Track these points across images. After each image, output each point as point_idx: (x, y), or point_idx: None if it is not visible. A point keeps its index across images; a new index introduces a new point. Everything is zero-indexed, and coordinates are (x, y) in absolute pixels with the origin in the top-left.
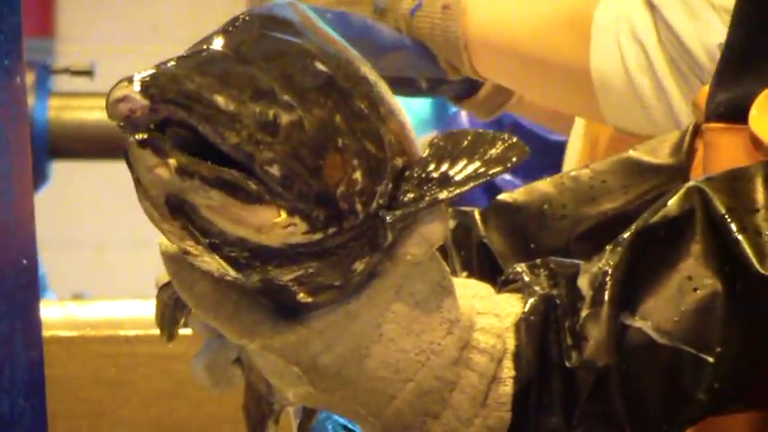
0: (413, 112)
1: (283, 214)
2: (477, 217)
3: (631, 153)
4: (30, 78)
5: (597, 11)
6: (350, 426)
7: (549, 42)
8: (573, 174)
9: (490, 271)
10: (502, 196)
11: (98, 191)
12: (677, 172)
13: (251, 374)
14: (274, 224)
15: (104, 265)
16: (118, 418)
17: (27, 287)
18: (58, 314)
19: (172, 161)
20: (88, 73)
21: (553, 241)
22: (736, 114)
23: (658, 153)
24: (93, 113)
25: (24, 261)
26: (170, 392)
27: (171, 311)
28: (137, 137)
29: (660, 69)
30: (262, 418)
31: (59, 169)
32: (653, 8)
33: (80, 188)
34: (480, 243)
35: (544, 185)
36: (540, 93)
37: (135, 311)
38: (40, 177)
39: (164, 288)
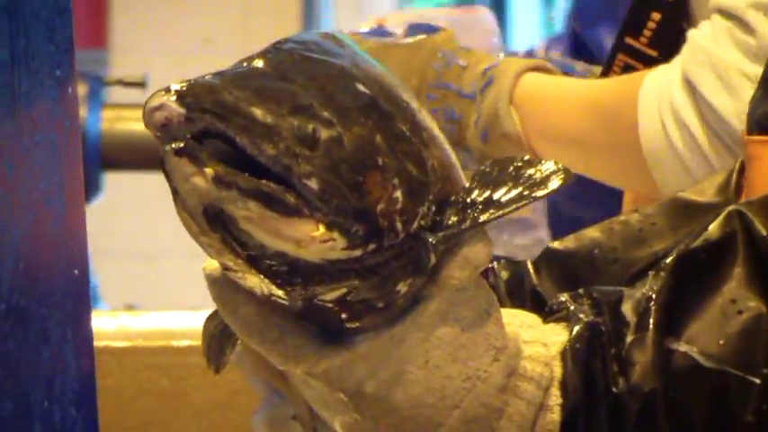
0: None
1: (322, 228)
2: (530, 266)
3: (679, 194)
4: (82, 90)
5: (641, 92)
6: None
7: (604, 126)
8: (622, 218)
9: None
10: (552, 244)
11: (150, 201)
12: (724, 207)
13: (303, 425)
14: (313, 238)
15: (157, 276)
16: (169, 429)
17: (78, 297)
18: (110, 325)
19: (209, 170)
20: (141, 84)
21: (605, 285)
22: None
23: (706, 192)
24: None
25: (76, 271)
26: (222, 403)
27: (218, 341)
28: (173, 145)
29: (705, 146)
30: None
31: (112, 180)
32: (691, 86)
33: (133, 199)
34: (533, 291)
35: (593, 231)
36: (600, 174)
37: (187, 322)
38: (92, 188)
39: (210, 318)
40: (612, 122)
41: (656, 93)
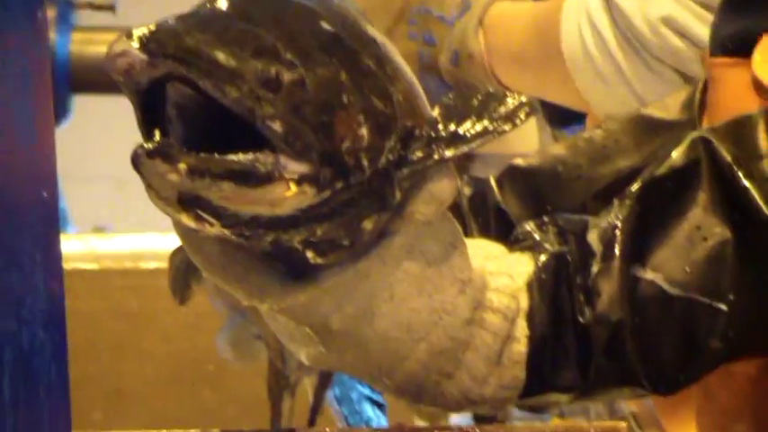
0: None
1: (293, 187)
2: (493, 183)
3: (643, 111)
4: (51, 13)
5: (566, 1)
6: (373, 396)
7: (540, 41)
8: (586, 135)
9: (507, 236)
10: (516, 161)
11: (119, 124)
12: (689, 127)
13: (269, 350)
14: (285, 198)
15: (125, 198)
16: (138, 350)
17: (47, 220)
18: (79, 247)
19: (182, 165)
20: (110, 7)
21: (569, 202)
22: (742, 48)
23: (670, 109)
24: None
25: (45, 194)
26: (191, 325)
27: (183, 274)
28: (144, 147)
29: (615, 50)
30: (280, 391)
31: (81, 103)
32: None
33: (101, 122)
34: (497, 209)
35: (557, 148)
36: (548, 93)
37: (156, 245)
38: (61, 111)
39: (175, 252)
40: (545, 36)
41: (577, 1)
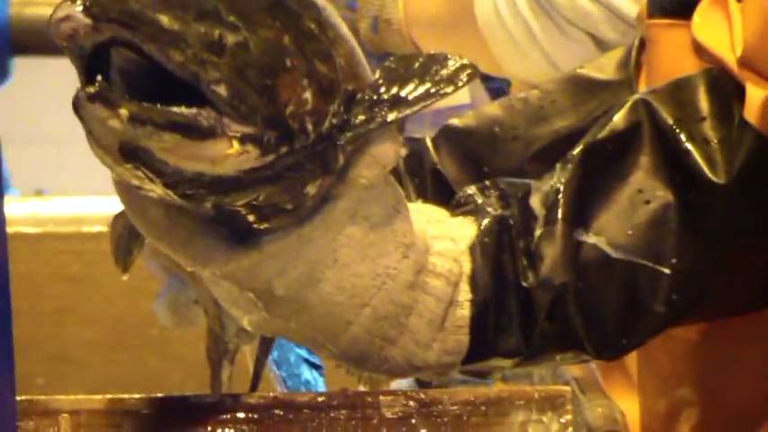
0: None
1: (236, 144)
2: (429, 144)
3: (579, 71)
4: None
5: None
6: (311, 359)
7: (455, 5)
8: (522, 95)
9: (444, 197)
10: (452, 121)
11: (60, 87)
12: (625, 86)
13: (208, 317)
14: (227, 155)
15: (66, 161)
16: (81, 314)
17: None
18: (20, 211)
19: (123, 111)
20: None
21: (506, 163)
22: (680, 10)
23: (605, 69)
24: None
25: None
26: (134, 289)
27: (126, 241)
28: (86, 90)
29: (526, 12)
30: (219, 358)
31: (21, 65)
32: None
33: (41, 84)
34: (433, 169)
35: (493, 109)
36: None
37: (99, 208)
38: (1, 74)
39: (117, 218)
40: (460, 1)
41: None
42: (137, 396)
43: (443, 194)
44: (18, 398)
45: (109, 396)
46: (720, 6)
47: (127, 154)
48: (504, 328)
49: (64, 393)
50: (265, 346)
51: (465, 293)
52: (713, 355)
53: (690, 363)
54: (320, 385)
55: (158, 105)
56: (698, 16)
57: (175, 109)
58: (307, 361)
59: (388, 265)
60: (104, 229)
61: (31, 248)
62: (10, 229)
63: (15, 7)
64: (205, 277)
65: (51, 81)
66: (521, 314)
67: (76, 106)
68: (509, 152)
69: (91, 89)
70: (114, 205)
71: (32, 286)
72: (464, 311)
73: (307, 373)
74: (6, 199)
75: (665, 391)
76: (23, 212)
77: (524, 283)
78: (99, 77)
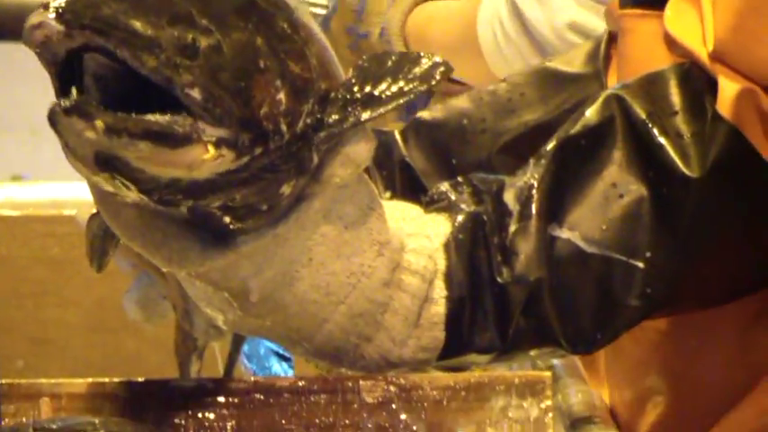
0: None
1: (211, 149)
2: (398, 136)
3: (547, 64)
4: None
5: (481, 6)
6: (280, 351)
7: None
8: (490, 88)
9: (413, 190)
10: (421, 114)
11: (34, 73)
12: (594, 79)
13: (176, 313)
14: (204, 160)
15: (43, 146)
16: (61, 297)
17: None
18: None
19: (99, 123)
20: None
21: (475, 156)
22: (653, 1)
23: (574, 62)
24: None
25: None
26: (114, 272)
27: (100, 241)
28: (62, 104)
29: (528, 55)
30: (187, 354)
31: None
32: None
33: (16, 70)
34: (402, 162)
35: (461, 101)
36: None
37: (77, 192)
38: None
39: (93, 218)
40: (469, 31)
41: (491, 9)
42: (117, 380)
43: (412, 187)
44: None
45: (89, 380)
46: (692, 0)
47: (102, 164)
48: (479, 325)
49: (44, 376)
50: (237, 343)
51: (440, 290)
52: (681, 344)
53: (657, 352)
54: (291, 375)
55: (133, 114)
56: (670, 9)
57: (150, 117)
58: (276, 353)
59: (363, 263)
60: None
61: (10, 232)
62: None
63: None
64: (180, 277)
65: (25, 67)
66: (496, 310)
67: (53, 120)
68: (477, 144)
69: (66, 102)
70: None
71: (13, 270)
72: (439, 308)
73: (276, 366)
74: None
75: (633, 380)
76: (2, 197)
77: (499, 279)
78: (74, 90)
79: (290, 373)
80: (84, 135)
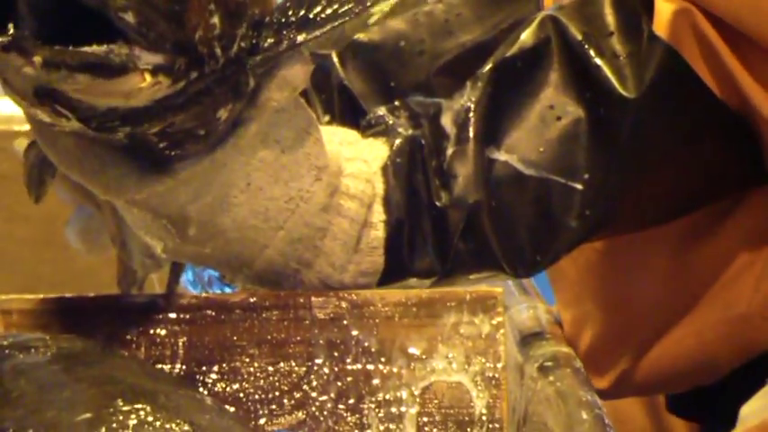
0: None
1: (148, 77)
2: (336, 59)
3: None
4: None
5: None
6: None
7: None
8: (426, 9)
9: (352, 113)
10: (358, 36)
11: None
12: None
13: (114, 246)
14: (141, 88)
15: None
16: (11, 212)
17: None
18: None
19: (37, 58)
20: None
21: (413, 77)
22: None
23: None
24: None
25: None
26: None
27: (38, 171)
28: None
29: None
30: (127, 287)
31: None
32: None
33: None
34: (340, 85)
35: (398, 23)
36: None
37: None
38: None
39: (30, 148)
40: None
41: None
42: (68, 295)
43: (351, 110)
44: None
45: (40, 296)
46: None
47: (41, 96)
48: (418, 248)
49: None
50: (176, 272)
51: (379, 214)
52: (617, 265)
53: (594, 273)
54: None
55: (70, 47)
56: None
57: (87, 49)
58: (219, 279)
59: (302, 188)
60: None
61: None
62: None
63: None
64: (119, 205)
65: None
66: (435, 234)
67: None
68: (415, 66)
69: (3, 39)
70: None
71: None
72: (378, 233)
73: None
74: None
75: (572, 301)
76: None
77: (438, 203)
78: (11, 26)
79: None
80: (22, 71)
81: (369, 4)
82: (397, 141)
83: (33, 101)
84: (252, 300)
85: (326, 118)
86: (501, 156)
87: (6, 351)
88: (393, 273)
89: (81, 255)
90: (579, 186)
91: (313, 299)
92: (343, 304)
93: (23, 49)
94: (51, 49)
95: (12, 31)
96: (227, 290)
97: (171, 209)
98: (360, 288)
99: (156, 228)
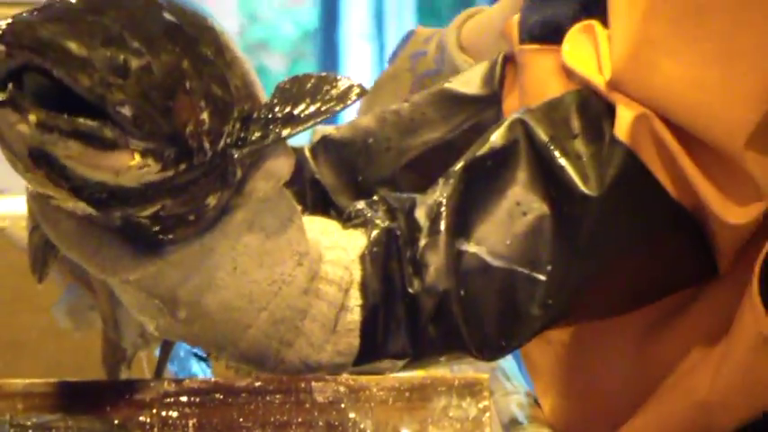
0: None
1: (137, 157)
2: (308, 154)
3: (446, 85)
4: None
5: None
6: (198, 352)
7: None
8: (393, 108)
9: (323, 205)
10: (328, 132)
11: None
12: (491, 101)
13: (104, 324)
14: (129, 167)
15: None
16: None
17: None
18: None
19: (32, 117)
20: None
21: (380, 173)
22: (549, 35)
23: (471, 84)
24: None
25: None
26: None
27: (41, 252)
28: None
29: None
30: (116, 364)
31: None
32: None
33: None
34: (312, 179)
35: (366, 121)
36: None
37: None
38: None
39: (34, 231)
40: None
41: None
42: (87, 380)
43: (322, 202)
44: None
45: (58, 380)
46: (588, 34)
47: (35, 159)
48: (392, 332)
49: (20, 377)
50: (166, 350)
51: (355, 299)
52: (582, 356)
53: (562, 365)
54: (208, 374)
55: (65, 115)
56: (567, 44)
57: (81, 119)
58: (195, 354)
59: (284, 272)
60: None
61: None
62: None
63: None
64: (114, 285)
65: None
66: (408, 318)
67: None
68: (382, 162)
69: (2, 95)
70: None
71: None
72: (354, 316)
73: (195, 366)
74: None
75: (546, 390)
76: None
77: (410, 290)
78: (10, 85)
79: (208, 372)
80: (16, 127)
81: (349, 102)
82: (375, 232)
83: (29, 164)
84: (257, 384)
85: (299, 209)
86: (470, 247)
87: (29, 431)
88: (368, 354)
89: (73, 333)
90: (542, 278)
91: (313, 383)
92: (342, 389)
93: (20, 107)
94: (47, 112)
95: (10, 88)
96: (202, 365)
97: (161, 289)
98: (336, 367)
99: (149, 307)
